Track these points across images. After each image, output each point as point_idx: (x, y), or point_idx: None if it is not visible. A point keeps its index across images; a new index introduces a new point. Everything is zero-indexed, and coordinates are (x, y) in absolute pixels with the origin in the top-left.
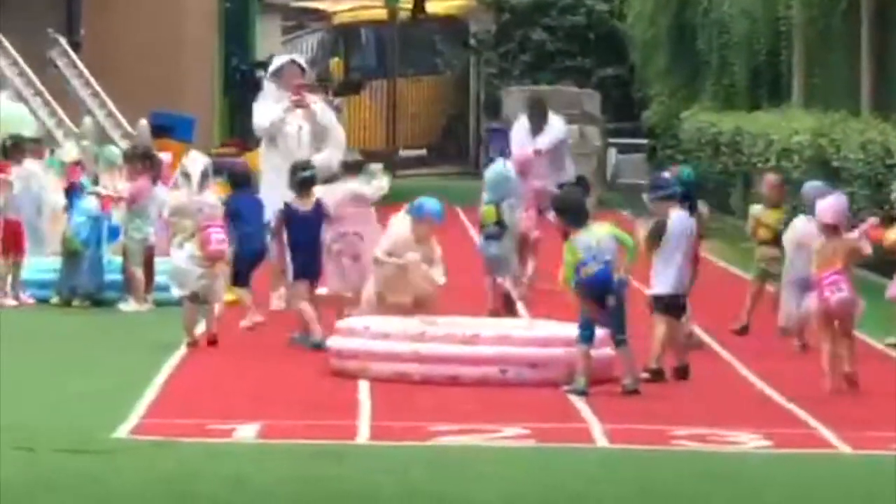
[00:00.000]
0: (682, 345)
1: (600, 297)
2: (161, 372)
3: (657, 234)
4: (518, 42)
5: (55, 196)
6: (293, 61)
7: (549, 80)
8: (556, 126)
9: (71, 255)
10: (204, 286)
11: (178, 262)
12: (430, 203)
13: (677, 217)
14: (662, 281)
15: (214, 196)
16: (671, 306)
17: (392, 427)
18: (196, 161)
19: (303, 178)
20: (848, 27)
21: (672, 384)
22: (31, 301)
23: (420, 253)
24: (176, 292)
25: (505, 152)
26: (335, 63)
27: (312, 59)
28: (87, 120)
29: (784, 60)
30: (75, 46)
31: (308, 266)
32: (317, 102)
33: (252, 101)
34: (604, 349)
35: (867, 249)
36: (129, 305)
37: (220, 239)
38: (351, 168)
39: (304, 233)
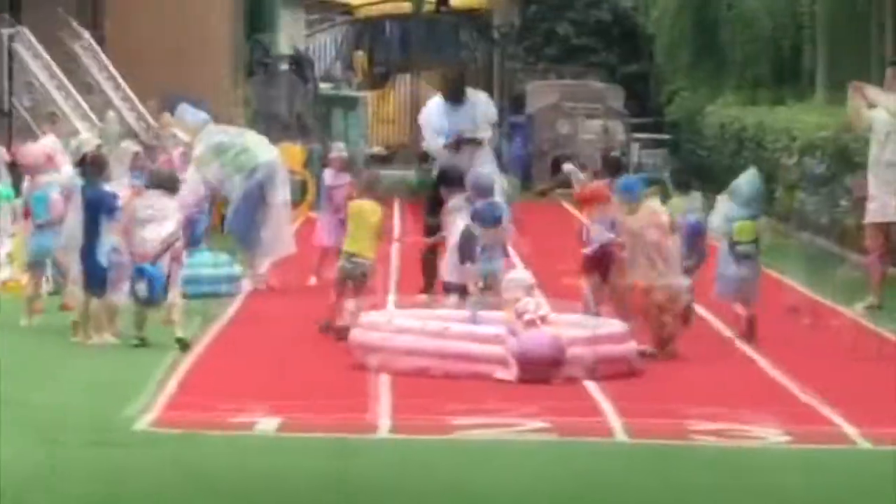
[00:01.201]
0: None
1: None
2: (183, 364)
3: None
4: (543, 36)
5: None
6: None
7: (574, 75)
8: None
9: None
10: None
11: None
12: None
13: None
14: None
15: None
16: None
17: (413, 421)
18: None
19: None
20: (871, 22)
21: (692, 379)
22: None
23: None
24: None
25: (526, 146)
26: (360, 57)
27: (336, 52)
28: (111, 114)
29: (807, 55)
30: (99, 40)
31: None
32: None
33: (274, 94)
34: (625, 343)
35: None
36: None
37: None
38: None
39: None
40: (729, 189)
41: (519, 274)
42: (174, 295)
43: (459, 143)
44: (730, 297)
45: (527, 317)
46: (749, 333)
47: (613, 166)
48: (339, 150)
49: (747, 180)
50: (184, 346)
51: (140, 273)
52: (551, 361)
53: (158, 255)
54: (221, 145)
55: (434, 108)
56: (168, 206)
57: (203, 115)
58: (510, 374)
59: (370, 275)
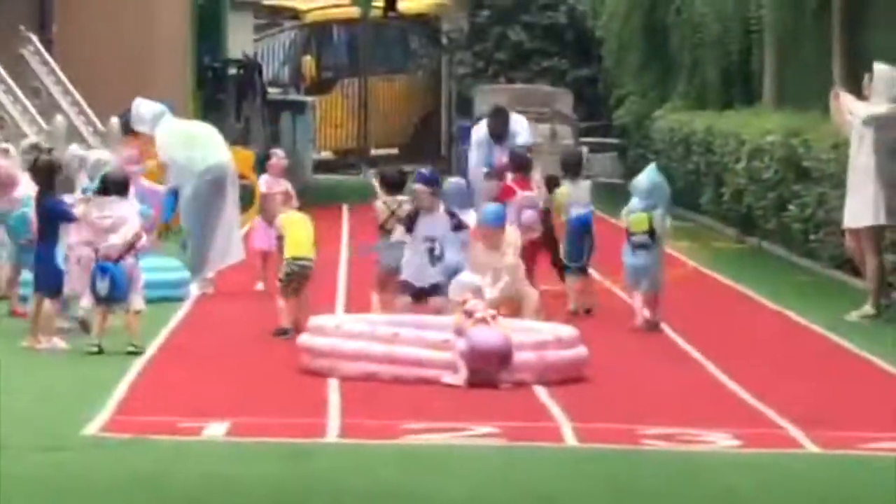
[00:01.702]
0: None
1: None
2: (132, 369)
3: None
4: (494, 41)
5: None
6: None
7: (524, 80)
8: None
9: None
10: None
11: None
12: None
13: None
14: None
15: None
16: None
17: (362, 425)
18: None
19: None
20: (819, 27)
21: (642, 384)
22: None
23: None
24: None
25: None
26: (307, 62)
27: (284, 57)
28: (59, 118)
29: (756, 60)
30: (47, 44)
31: None
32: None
33: (221, 98)
34: (575, 348)
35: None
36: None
37: None
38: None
39: None
40: (631, 184)
41: (466, 277)
42: (138, 301)
43: (502, 172)
44: (629, 285)
45: (478, 314)
46: (650, 326)
47: (574, 167)
48: (279, 156)
49: (646, 175)
50: (138, 354)
51: (102, 271)
52: (501, 358)
53: (122, 256)
54: (190, 135)
55: (481, 137)
56: (124, 209)
57: (159, 106)
58: (458, 378)
59: (311, 275)
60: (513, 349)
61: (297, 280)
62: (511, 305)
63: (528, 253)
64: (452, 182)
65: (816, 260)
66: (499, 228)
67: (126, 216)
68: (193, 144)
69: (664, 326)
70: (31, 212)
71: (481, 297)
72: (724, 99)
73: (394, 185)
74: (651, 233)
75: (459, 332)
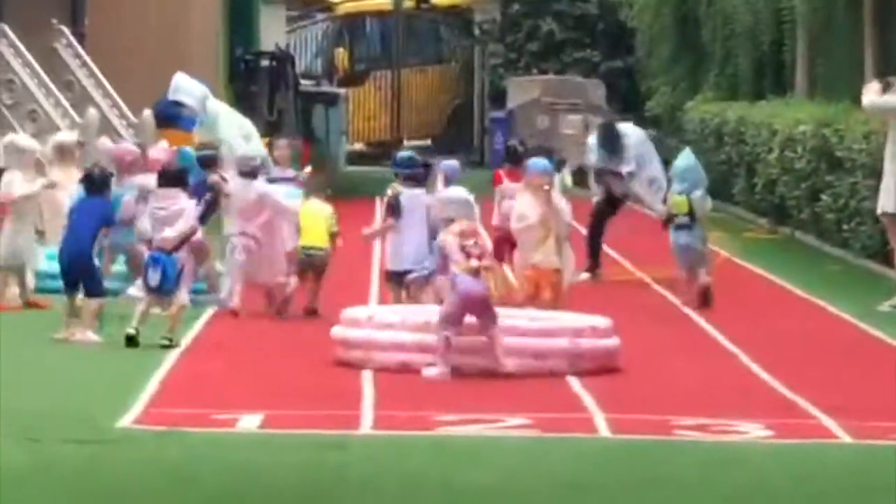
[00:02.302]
0: None
1: None
2: (165, 361)
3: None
4: (526, 32)
5: None
6: None
7: (556, 71)
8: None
9: None
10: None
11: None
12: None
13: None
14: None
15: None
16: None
17: (395, 416)
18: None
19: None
20: (851, 17)
21: (674, 375)
22: None
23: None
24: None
25: (506, 141)
26: (340, 54)
27: (317, 49)
28: (92, 111)
29: (788, 51)
30: (80, 37)
31: None
32: None
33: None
34: (608, 338)
35: None
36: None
37: None
38: None
39: None
40: (671, 170)
41: (455, 192)
42: (184, 295)
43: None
44: (677, 264)
45: (473, 263)
46: (702, 302)
47: (513, 155)
48: (282, 146)
49: (680, 159)
50: (172, 347)
51: (155, 261)
52: (482, 307)
53: (176, 248)
54: (241, 121)
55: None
56: (181, 201)
57: (203, 86)
58: (439, 373)
59: (327, 262)
60: (491, 303)
61: (307, 268)
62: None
63: (500, 242)
64: (448, 163)
65: (849, 250)
66: (546, 174)
67: (182, 209)
68: (242, 130)
69: (695, 316)
70: (126, 196)
71: (472, 215)
72: (756, 89)
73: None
74: (691, 214)
75: (446, 261)
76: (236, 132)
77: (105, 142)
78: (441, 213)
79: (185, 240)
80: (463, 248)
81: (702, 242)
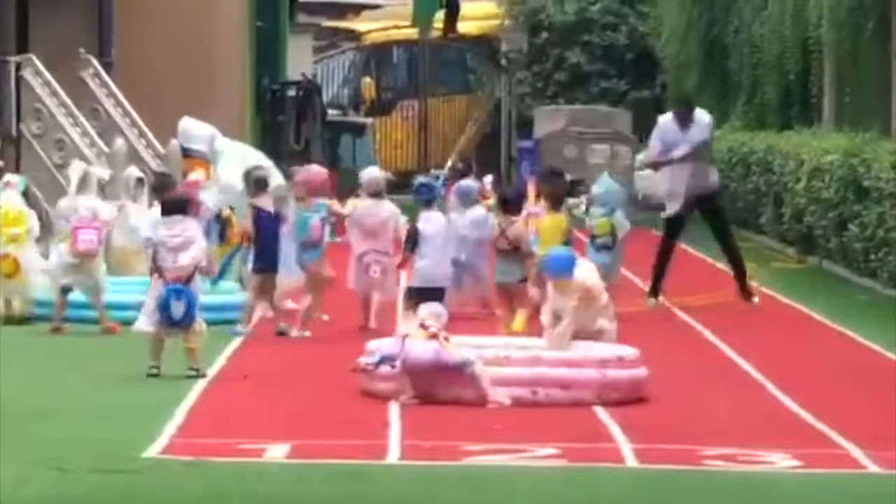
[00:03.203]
0: None
1: None
2: (192, 391)
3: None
4: (554, 62)
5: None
6: None
7: (583, 101)
8: (703, 122)
9: None
10: (74, 281)
11: (51, 261)
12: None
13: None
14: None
15: (93, 200)
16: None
17: (422, 447)
18: (76, 167)
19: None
20: (878, 47)
21: (702, 404)
22: None
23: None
24: (50, 288)
25: (534, 170)
26: (367, 83)
27: (344, 79)
28: (119, 141)
29: (815, 80)
30: (107, 67)
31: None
32: None
33: (281, 120)
34: (636, 368)
35: None
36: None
37: (86, 239)
38: None
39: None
40: (590, 196)
41: (438, 308)
42: (199, 322)
43: (657, 165)
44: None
45: (431, 328)
46: None
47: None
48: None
49: (600, 185)
50: (199, 375)
51: (178, 294)
52: (428, 373)
53: (192, 277)
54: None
55: (662, 124)
56: (192, 228)
57: (210, 127)
58: (406, 395)
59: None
60: (446, 367)
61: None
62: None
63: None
64: (463, 184)
65: (877, 279)
66: (564, 278)
67: (193, 236)
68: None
69: (722, 345)
70: (313, 217)
71: (440, 323)
72: (783, 119)
73: (509, 204)
74: (613, 235)
75: (402, 339)
76: (237, 168)
77: (133, 171)
78: (421, 314)
79: (197, 268)
80: (421, 324)
81: (619, 261)
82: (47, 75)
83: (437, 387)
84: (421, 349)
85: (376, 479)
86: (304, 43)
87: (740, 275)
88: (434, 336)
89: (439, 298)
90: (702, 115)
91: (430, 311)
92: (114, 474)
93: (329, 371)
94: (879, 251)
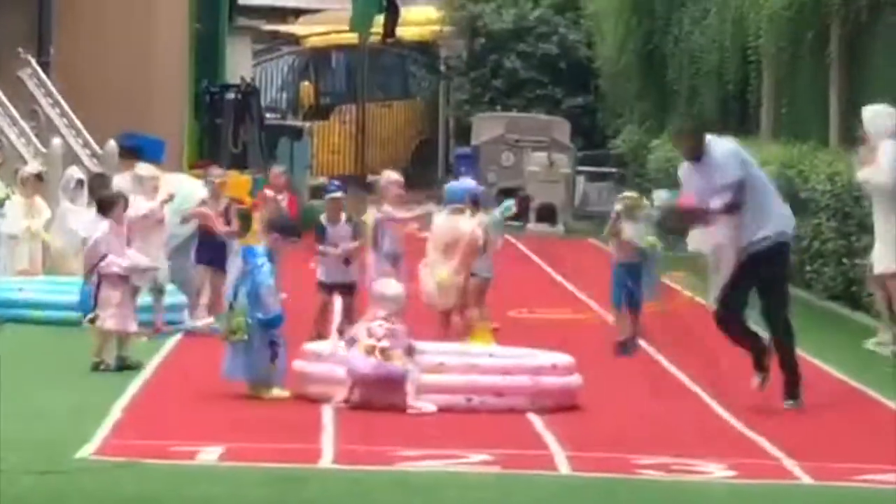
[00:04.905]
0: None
1: None
2: (126, 392)
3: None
4: (490, 68)
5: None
6: None
7: (520, 108)
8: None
9: None
10: None
11: None
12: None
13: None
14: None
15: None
16: None
17: (356, 451)
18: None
19: None
20: (817, 58)
21: (636, 412)
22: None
23: None
24: None
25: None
26: (306, 87)
27: (283, 82)
28: (56, 141)
29: (753, 91)
30: (45, 67)
31: None
32: None
33: (219, 123)
34: (569, 376)
35: None
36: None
37: None
38: None
39: None
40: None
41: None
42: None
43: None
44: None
45: (368, 341)
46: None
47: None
48: (276, 174)
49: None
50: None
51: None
52: (373, 384)
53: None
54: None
55: (683, 170)
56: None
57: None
58: (337, 399)
59: None
60: (388, 378)
61: None
62: None
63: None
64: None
65: (811, 291)
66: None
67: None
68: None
69: (656, 354)
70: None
71: (396, 307)
72: (722, 129)
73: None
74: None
75: (350, 343)
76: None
77: (75, 170)
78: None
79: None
80: (368, 330)
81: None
82: None
83: (382, 395)
84: (361, 363)
85: (309, 483)
86: (243, 46)
87: (792, 381)
88: (371, 351)
89: None
90: (715, 147)
91: (381, 294)
92: (47, 475)
93: None
94: (814, 263)
